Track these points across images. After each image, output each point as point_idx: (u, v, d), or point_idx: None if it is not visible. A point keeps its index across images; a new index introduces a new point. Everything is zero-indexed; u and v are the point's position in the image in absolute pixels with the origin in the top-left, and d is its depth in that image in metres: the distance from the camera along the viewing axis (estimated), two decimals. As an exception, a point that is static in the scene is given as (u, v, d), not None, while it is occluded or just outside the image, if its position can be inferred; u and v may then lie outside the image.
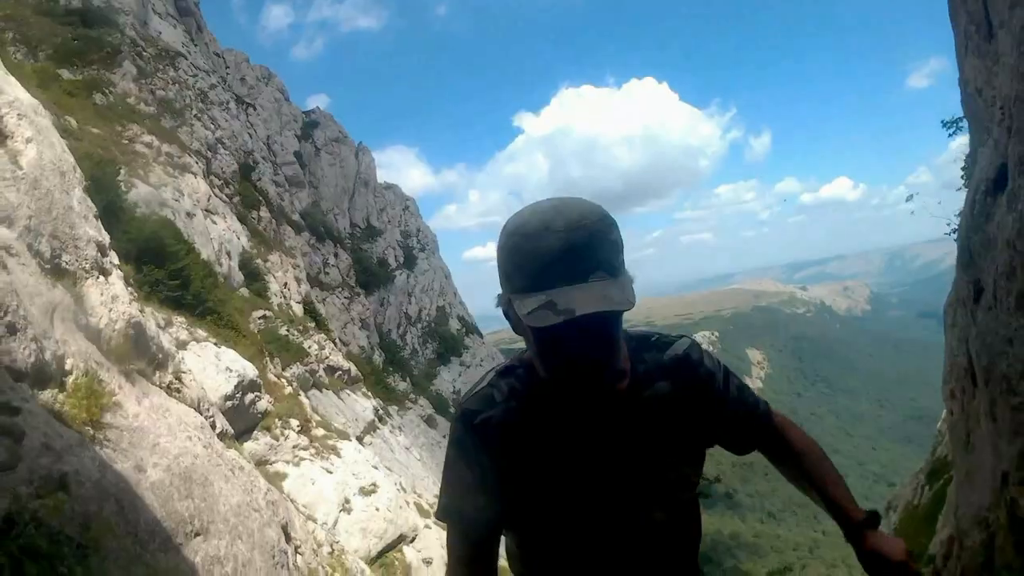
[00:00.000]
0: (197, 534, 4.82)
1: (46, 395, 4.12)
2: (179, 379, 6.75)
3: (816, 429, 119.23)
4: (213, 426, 6.92)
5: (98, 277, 5.61)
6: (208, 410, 7.21)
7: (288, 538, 7.08)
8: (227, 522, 5.36)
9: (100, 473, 3.95)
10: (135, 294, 6.79)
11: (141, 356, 5.99)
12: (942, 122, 6.85)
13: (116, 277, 6.02)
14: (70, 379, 4.43)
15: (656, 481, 1.59)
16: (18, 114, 5.37)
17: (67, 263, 5.22)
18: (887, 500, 13.21)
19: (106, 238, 6.16)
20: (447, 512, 1.60)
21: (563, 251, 1.27)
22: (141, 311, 6.38)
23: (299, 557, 7.24)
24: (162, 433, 5.17)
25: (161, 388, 6.18)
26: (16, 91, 5.66)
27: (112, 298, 5.68)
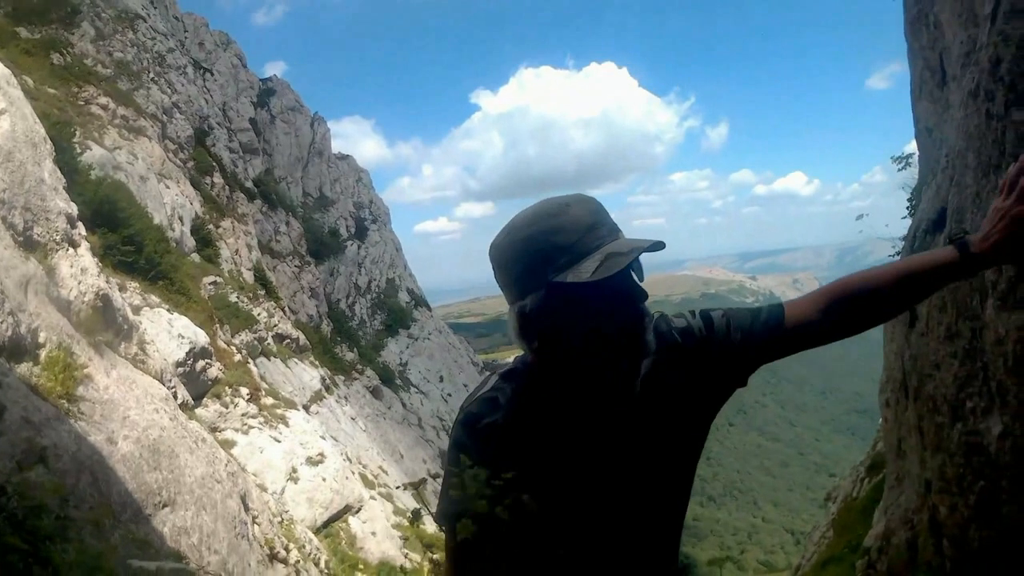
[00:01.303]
0: (165, 505, 4.93)
1: (22, 368, 4.18)
2: (143, 350, 6.78)
3: (759, 418, 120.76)
4: (175, 396, 6.97)
5: (68, 249, 5.62)
6: (170, 381, 7.27)
7: (247, 508, 7.19)
8: (192, 493, 5.46)
9: (76, 446, 4.04)
10: (101, 264, 6.80)
11: (108, 327, 6.02)
12: (892, 157, 7.17)
13: (84, 248, 6.02)
14: (43, 352, 4.48)
15: (657, 474, 1.60)
16: (-9, 83, 5.34)
17: (39, 235, 5.22)
18: (827, 491, 13.51)
19: (74, 209, 6.13)
20: (445, 516, 1.56)
21: (592, 218, 1.40)
22: (107, 282, 6.40)
23: (256, 527, 7.36)
24: (131, 405, 5.24)
25: (127, 359, 6.22)
26: (-12, 60, 5.60)
27: (81, 270, 5.70)
